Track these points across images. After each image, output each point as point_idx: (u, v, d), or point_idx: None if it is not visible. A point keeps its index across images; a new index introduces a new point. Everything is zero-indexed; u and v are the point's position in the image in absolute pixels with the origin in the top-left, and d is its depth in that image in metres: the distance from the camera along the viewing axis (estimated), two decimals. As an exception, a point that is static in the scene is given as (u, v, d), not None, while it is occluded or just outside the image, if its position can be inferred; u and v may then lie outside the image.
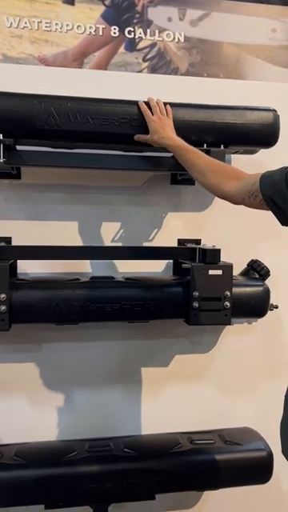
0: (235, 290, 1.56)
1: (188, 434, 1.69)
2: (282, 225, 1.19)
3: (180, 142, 1.39)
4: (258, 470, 1.63)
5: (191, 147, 1.38)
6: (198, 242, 1.73)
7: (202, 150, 1.48)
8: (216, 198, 1.74)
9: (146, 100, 1.46)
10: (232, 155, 1.72)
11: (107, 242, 1.71)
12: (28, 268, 1.65)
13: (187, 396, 1.79)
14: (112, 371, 1.72)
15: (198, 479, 1.60)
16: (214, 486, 1.65)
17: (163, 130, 1.41)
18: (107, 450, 1.58)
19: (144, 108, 1.44)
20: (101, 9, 1.69)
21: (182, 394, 1.78)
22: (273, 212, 1.17)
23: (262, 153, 1.66)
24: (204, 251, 1.54)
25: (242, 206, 1.63)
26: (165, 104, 1.47)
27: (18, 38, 1.64)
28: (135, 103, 1.45)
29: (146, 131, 1.43)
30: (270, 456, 1.63)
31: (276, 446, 1.67)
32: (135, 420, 1.75)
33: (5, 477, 1.47)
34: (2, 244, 1.54)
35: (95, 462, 1.53)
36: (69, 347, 1.68)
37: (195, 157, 1.35)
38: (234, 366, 1.82)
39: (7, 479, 1.47)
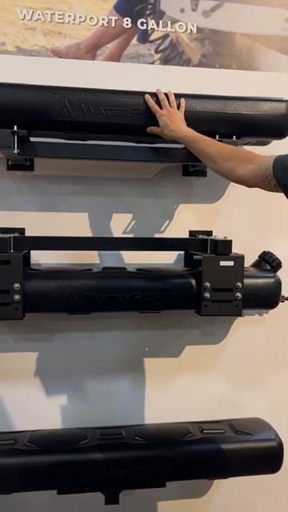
0: (246, 281, 1.56)
1: (198, 424, 1.71)
2: None
3: (189, 132, 1.39)
4: (267, 460, 1.64)
5: (200, 136, 1.37)
6: (209, 233, 1.73)
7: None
8: (228, 189, 1.77)
9: (155, 91, 1.45)
10: (244, 146, 1.71)
11: (119, 234, 1.72)
12: (41, 259, 1.67)
13: (198, 386, 1.80)
14: (123, 361, 1.74)
15: (208, 468, 1.62)
16: (224, 474, 1.66)
17: (172, 122, 1.40)
18: (118, 437, 1.60)
19: (151, 103, 1.43)
20: (113, 0, 1.69)
21: (192, 385, 1.79)
22: (287, 197, 1.16)
23: (275, 144, 1.65)
24: (215, 242, 1.55)
25: (253, 197, 1.64)
26: (179, 96, 1.46)
27: (31, 31, 1.65)
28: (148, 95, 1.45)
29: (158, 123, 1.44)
30: (280, 446, 1.64)
31: (286, 436, 1.69)
32: (146, 409, 1.77)
33: (19, 462, 1.50)
34: (16, 235, 1.56)
35: (107, 450, 1.56)
36: (81, 337, 1.71)
37: (205, 145, 1.34)
38: (244, 358, 1.83)
39: (21, 465, 1.50)
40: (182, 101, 1.46)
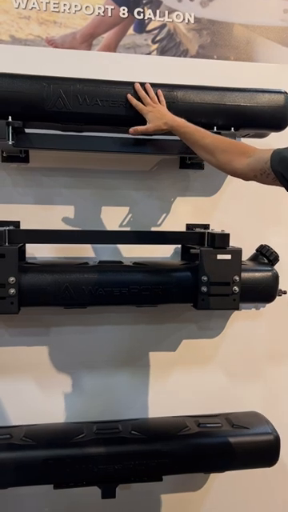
0: (244, 274, 1.55)
1: (195, 418, 1.70)
2: None
3: (183, 122, 1.36)
4: (264, 454, 1.64)
5: (195, 126, 1.35)
6: (206, 226, 1.72)
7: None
8: (225, 182, 1.75)
9: (142, 83, 1.41)
10: (242, 138, 1.70)
11: (115, 227, 1.70)
12: (36, 252, 1.66)
13: (194, 380, 1.79)
14: (120, 355, 1.73)
15: (205, 462, 1.61)
16: (221, 468, 1.67)
17: (162, 115, 1.38)
18: (115, 432, 1.60)
19: (135, 102, 1.40)
20: (110, -11, 1.66)
21: (189, 379, 1.79)
22: (286, 189, 1.15)
23: (273, 136, 1.64)
24: (213, 236, 1.53)
25: (251, 190, 1.63)
26: (174, 87, 1.44)
27: (26, 19, 1.62)
28: (144, 85, 1.43)
29: None
30: (277, 440, 1.64)
31: (282, 430, 1.69)
32: (143, 403, 1.76)
33: (15, 457, 1.49)
34: (11, 228, 1.54)
35: (103, 444, 1.55)
36: (77, 331, 1.69)
37: (200, 136, 1.32)
38: (241, 351, 1.82)
39: (17, 459, 1.49)
40: (160, 93, 1.42)
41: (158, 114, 1.38)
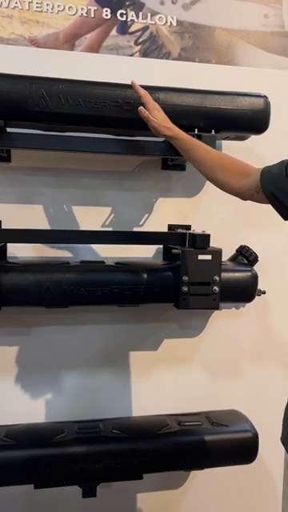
0: (224, 275, 1.58)
1: (176, 416, 1.72)
2: (285, 219, 1.16)
3: (185, 135, 1.34)
4: (243, 451, 1.67)
5: (197, 141, 1.34)
6: (188, 227, 1.74)
7: (193, 136, 1.49)
8: (207, 183, 1.77)
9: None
10: (223, 141, 1.72)
11: (97, 227, 1.71)
12: (17, 252, 1.65)
13: (176, 379, 1.81)
14: (101, 355, 1.74)
15: (185, 459, 1.63)
16: (201, 466, 1.69)
17: (167, 129, 1.34)
18: (96, 431, 1.60)
19: (146, 114, 1.34)
20: (93, -10, 1.67)
21: (170, 378, 1.81)
22: (274, 207, 1.15)
23: (253, 139, 1.67)
24: (194, 236, 1.55)
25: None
26: (158, 90, 1.45)
27: (8, 18, 1.61)
28: (127, 87, 1.43)
29: (138, 115, 1.41)
30: (256, 437, 1.67)
31: (261, 428, 1.73)
32: (124, 402, 1.77)
33: (-5, 457, 1.49)
34: (-8, 227, 1.53)
35: (84, 443, 1.55)
36: (58, 331, 1.69)
37: (202, 151, 1.31)
38: (221, 350, 1.85)
39: (-3, 460, 1.49)
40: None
41: (162, 128, 1.34)
